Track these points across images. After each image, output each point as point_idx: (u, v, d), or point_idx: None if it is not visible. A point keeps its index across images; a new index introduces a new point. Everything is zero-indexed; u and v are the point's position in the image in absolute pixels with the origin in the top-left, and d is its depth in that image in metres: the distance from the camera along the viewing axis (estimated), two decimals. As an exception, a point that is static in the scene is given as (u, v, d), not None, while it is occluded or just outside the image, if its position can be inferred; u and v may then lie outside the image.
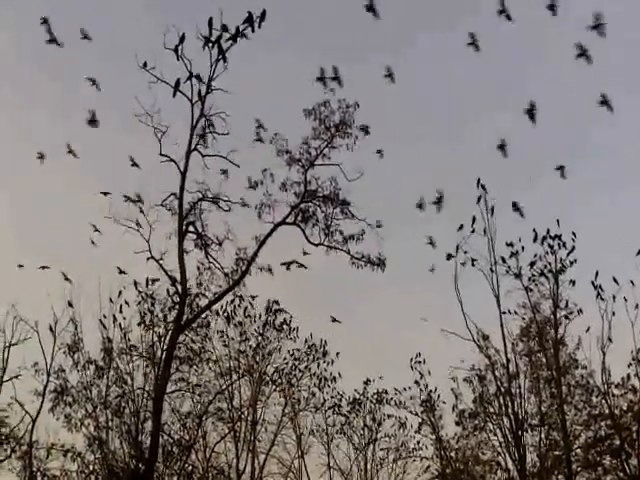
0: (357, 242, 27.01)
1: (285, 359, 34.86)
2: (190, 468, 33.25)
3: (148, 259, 25.00)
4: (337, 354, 35.62)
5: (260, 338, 34.14)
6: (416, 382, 35.68)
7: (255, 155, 25.99)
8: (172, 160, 24.33)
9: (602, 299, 32.18)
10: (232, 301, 32.53)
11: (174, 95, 23.91)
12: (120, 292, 30.68)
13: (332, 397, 37.22)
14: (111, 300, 30.60)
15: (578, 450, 34.75)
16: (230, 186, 25.95)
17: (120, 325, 31.00)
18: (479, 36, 20.90)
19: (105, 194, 26.16)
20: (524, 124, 22.53)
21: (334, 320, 32.58)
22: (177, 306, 26.40)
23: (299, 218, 26.48)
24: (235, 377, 33.99)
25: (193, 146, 24.36)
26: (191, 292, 28.33)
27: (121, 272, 29.63)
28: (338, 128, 25.60)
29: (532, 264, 32.22)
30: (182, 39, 23.31)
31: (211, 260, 26.49)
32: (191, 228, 25.36)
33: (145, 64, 23.55)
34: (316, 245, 26.86)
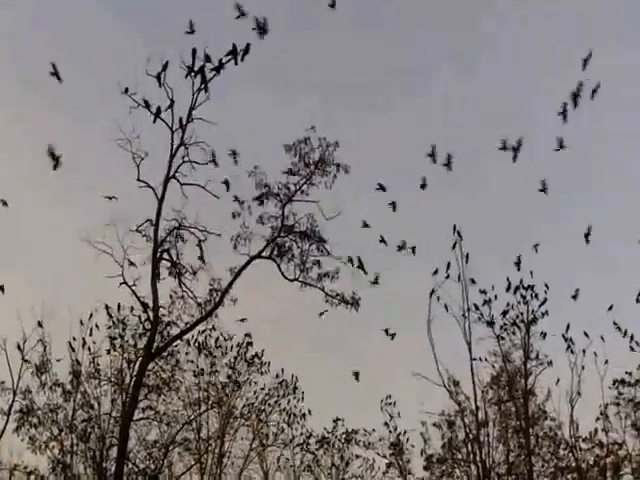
0: (332, 280, 27.08)
1: (255, 393, 34.79)
2: (154, 498, 32.92)
3: (121, 284, 24.84)
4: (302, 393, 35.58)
5: (231, 371, 34.10)
6: (386, 424, 35.75)
7: (234, 187, 26.06)
8: (150, 186, 24.47)
9: (572, 352, 32.58)
10: (204, 331, 32.55)
11: (154, 121, 24.14)
12: (91, 315, 30.77)
13: (301, 434, 37.17)
14: (81, 323, 30.68)
15: (544, 502, 34.73)
16: (207, 216, 26.02)
17: (89, 349, 31.05)
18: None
19: (110, 198, 25.67)
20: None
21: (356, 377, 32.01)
22: (148, 333, 26.31)
23: (275, 252, 26.47)
24: (204, 408, 33.87)
25: (171, 173, 24.51)
26: (163, 320, 28.39)
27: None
28: (317, 165, 25.89)
29: (504, 313, 32.54)
30: (165, 66, 23.58)
31: (184, 289, 26.34)
32: (165, 255, 25.35)
33: (127, 89, 23.82)
34: (291, 280, 26.84)
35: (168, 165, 24.70)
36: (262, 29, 22.25)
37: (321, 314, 27.17)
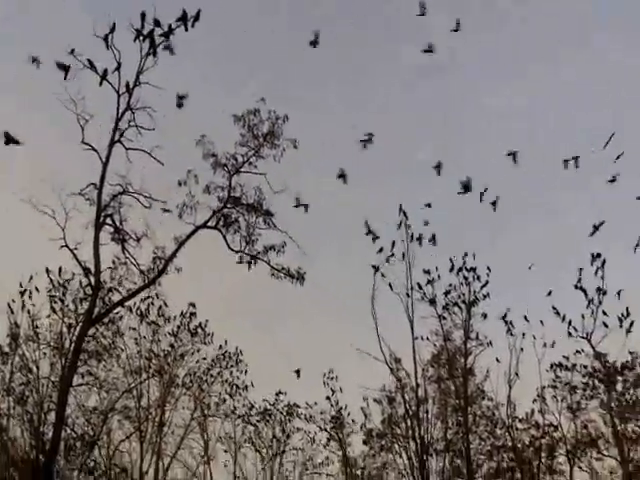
0: (278, 253, 27.01)
1: (198, 363, 34.68)
2: (92, 464, 32.72)
3: (62, 247, 24.38)
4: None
5: (173, 340, 33.93)
6: (327, 398, 35.95)
7: (181, 155, 25.83)
8: (94, 149, 24.07)
9: (512, 335, 33.15)
10: (147, 299, 32.26)
11: (101, 84, 23.76)
12: (31, 277, 30.22)
13: (243, 405, 37.23)
14: (21, 285, 30.14)
15: (480, 479, 35.33)
16: (152, 183, 25.67)
17: (29, 311, 30.53)
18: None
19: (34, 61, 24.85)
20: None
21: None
22: (89, 298, 25.98)
23: (221, 223, 26.36)
24: (145, 376, 33.62)
25: (117, 137, 24.13)
26: (105, 286, 28.01)
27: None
28: (266, 138, 25.70)
29: (447, 293, 32.99)
30: (113, 28, 23.21)
31: (127, 255, 26.09)
32: (109, 221, 24.99)
33: (73, 50, 23.33)
34: (236, 252, 26.75)
35: (113, 129, 24.35)
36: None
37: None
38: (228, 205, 26.20)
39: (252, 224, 26.54)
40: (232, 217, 26.41)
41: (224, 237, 26.44)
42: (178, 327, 33.82)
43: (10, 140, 23.66)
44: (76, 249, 24.52)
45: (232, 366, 35.27)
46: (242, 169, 26.09)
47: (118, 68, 23.83)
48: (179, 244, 25.93)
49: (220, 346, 34.92)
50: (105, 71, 23.73)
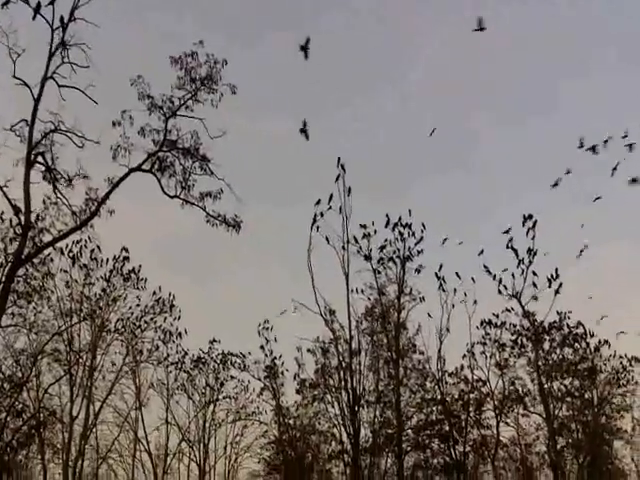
0: (214, 200, 26.62)
1: (130, 308, 34.38)
2: (20, 407, 32.39)
3: (-10, 185, 23.60)
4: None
5: (106, 284, 33.56)
6: (262, 347, 36.14)
7: (115, 95, 25.08)
8: (26, 85, 23.20)
9: (444, 291, 33.64)
10: (79, 242, 31.71)
11: (34, 18, 22.80)
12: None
13: (176, 352, 37.29)
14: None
15: (409, 431, 36.13)
16: (86, 123, 24.92)
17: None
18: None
19: None
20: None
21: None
22: (19, 238, 25.35)
23: (156, 167, 25.73)
24: (76, 320, 33.22)
25: (49, 73, 23.30)
26: (35, 226, 27.34)
27: None
28: (204, 82, 25.13)
29: (382, 248, 33.17)
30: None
31: (59, 195, 25.27)
32: (40, 159, 24.21)
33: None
34: (171, 197, 26.25)
35: (46, 64, 23.46)
36: None
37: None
38: (164, 148, 25.46)
39: (188, 169, 25.97)
40: (167, 161, 25.76)
41: (159, 181, 25.77)
42: (110, 271, 33.44)
43: None
44: (6, 187, 23.67)
45: (165, 312, 35.13)
46: (179, 112, 25.40)
47: (52, 2, 22.86)
48: (112, 186, 25.14)
49: (154, 292, 34.70)
50: (38, 4, 22.78)
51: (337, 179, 31.42)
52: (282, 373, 36.67)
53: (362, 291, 33.27)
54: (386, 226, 32.97)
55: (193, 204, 26.41)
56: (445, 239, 32.80)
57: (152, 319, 34.94)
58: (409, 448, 35.90)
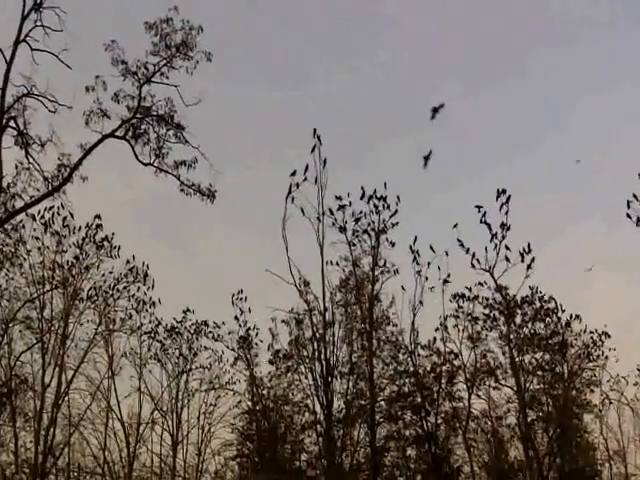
0: (189, 169, 26.45)
1: (104, 276, 34.23)
2: (-8, 374, 32.29)
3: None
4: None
5: (78, 251, 33.30)
6: (236, 318, 36.01)
7: (90, 60, 24.78)
8: (-3, 46, 22.89)
9: (418, 264, 33.71)
10: (51, 208, 31.42)
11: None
12: None
13: (150, 322, 37.14)
14: None
15: (382, 402, 36.30)
16: (59, 88, 24.64)
17: None
18: None
19: None
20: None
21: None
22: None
23: (130, 133, 25.57)
24: (48, 287, 33.05)
25: (22, 37, 23.01)
26: (7, 191, 27.03)
27: None
28: (179, 48, 24.88)
29: (357, 220, 33.16)
30: None
31: (31, 161, 25.15)
32: (12, 123, 23.99)
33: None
34: (145, 165, 26.09)
35: (19, 27, 23.22)
36: None
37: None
38: (138, 115, 25.37)
39: (162, 137, 25.86)
40: (142, 128, 25.65)
41: (133, 148, 25.73)
42: (83, 239, 33.17)
43: None
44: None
45: (139, 281, 34.98)
46: (153, 79, 25.24)
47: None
48: (85, 152, 25.07)
49: (127, 261, 34.52)
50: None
51: (313, 150, 31.37)
52: (256, 344, 36.57)
53: (337, 263, 33.31)
54: (361, 198, 33.05)
55: (167, 172, 26.31)
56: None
57: (125, 288, 34.80)
58: (382, 419, 36.03)
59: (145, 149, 25.92)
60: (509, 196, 32.84)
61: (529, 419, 36.15)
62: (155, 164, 26.11)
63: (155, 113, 25.65)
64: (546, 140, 65.46)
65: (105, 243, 33.29)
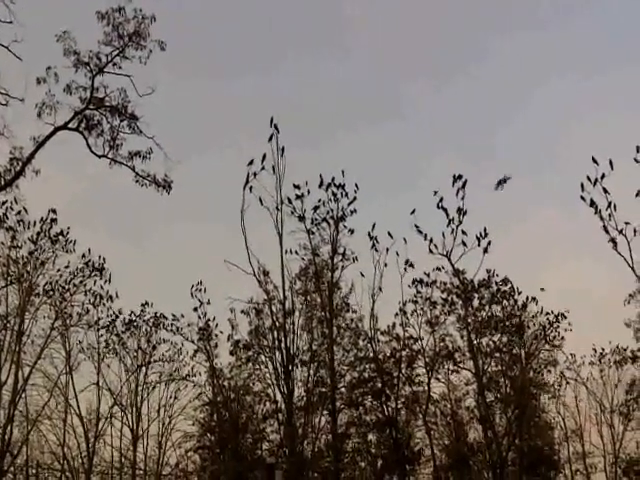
0: (144, 160, 26.12)
1: (59, 271, 33.74)
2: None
3: None
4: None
5: (33, 246, 32.75)
6: (195, 309, 35.84)
7: (40, 52, 24.25)
8: (-57, 38, 22.26)
9: (377, 250, 33.90)
10: (4, 203, 30.81)
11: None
12: None
13: (107, 316, 36.79)
14: None
15: (343, 389, 36.44)
16: (9, 80, 24.09)
17: None
18: None
19: None
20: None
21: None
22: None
23: (83, 125, 25.14)
24: (2, 283, 32.56)
25: (-29, 27, 22.40)
26: (-42, 185, 26.40)
27: None
28: (132, 38, 24.52)
29: (316, 208, 33.27)
30: None
31: (-19, 155, 24.59)
32: (-39, 116, 23.40)
33: None
34: (99, 156, 25.68)
35: (-34, 17, 22.53)
36: None
37: None
38: (90, 106, 24.94)
39: (116, 128, 25.47)
40: (95, 119, 25.22)
41: (86, 140, 25.27)
42: (38, 234, 32.66)
43: None
44: None
45: (95, 275, 34.57)
46: (106, 69, 24.83)
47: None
48: (37, 145, 24.57)
49: (83, 255, 34.10)
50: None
51: (270, 139, 31.30)
52: (216, 335, 36.42)
53: (296, 252, 33.42)
54: (320, 186, 33.11)
55: (122, 163, 25.97)
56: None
57: (82, 282, 34.43)
58: (342, 406, 36.17)
59: (99, 141, 25.49)
60: (465, 181, 33.26)
61: (487, 401, 36.70)
62: (109, 156, 25.68)
63: (108, 104, 25.21)
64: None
65: (60, 237, 32.87)
